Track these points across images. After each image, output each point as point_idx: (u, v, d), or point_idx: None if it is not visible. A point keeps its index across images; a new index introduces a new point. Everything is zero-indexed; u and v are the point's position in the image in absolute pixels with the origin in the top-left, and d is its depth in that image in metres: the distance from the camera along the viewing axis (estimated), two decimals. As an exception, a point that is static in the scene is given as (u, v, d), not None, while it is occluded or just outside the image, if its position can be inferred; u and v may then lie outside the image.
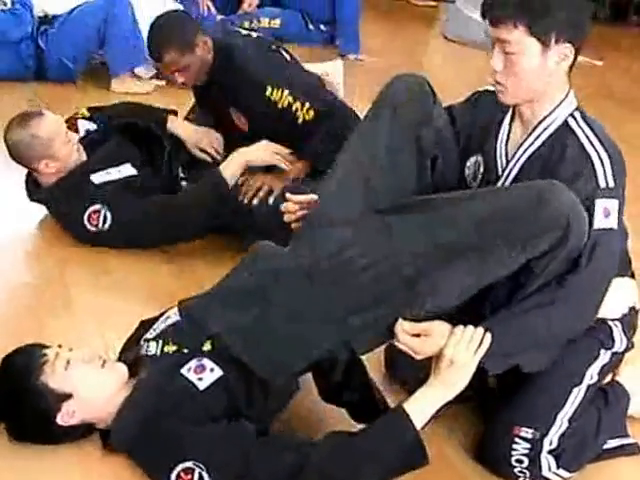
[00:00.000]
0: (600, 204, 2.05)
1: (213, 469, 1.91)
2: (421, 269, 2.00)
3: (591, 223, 2.02)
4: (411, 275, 2.00)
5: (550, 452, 2.14)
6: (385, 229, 2.08)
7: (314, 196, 2.26)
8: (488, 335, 2.00)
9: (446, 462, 2.05)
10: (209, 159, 3.28)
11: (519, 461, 2.13)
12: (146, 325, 2.24)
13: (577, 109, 2.16)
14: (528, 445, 2.12)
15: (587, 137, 2.11)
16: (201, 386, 2.00)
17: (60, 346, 2.10)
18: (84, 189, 3.02)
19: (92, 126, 3.28)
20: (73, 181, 3.04)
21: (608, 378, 2.35)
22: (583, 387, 2.19)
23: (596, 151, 2.08)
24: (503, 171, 2.20)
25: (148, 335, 2.17)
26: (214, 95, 3.32)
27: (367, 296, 2.02)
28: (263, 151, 3.13)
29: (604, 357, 2.24)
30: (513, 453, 2.13)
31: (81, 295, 2.82)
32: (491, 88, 2.22)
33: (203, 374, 2.02)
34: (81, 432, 2.09)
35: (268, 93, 3.16)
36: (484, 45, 6.49)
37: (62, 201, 3.05)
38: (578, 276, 2.02)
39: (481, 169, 2.26)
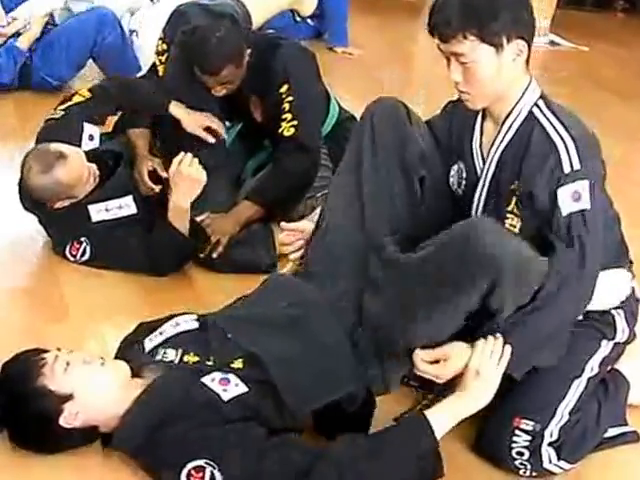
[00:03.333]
0: (567, 190, 2.04)
1: (225, 467, 1.90)
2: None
3: (561, 211, 2.03)
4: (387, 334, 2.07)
5: (551, 444, 2.13)
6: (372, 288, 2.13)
7: (307, 223, 2.33)
8: (507, 346, 2.02)
9: (445, 454, 2.02)
10: (211, 139, 3.19)
11: (520, 453, 2.13)
12: (146, 327, 2.22)
13: (541, 97, 2.15)
14: (528, 437, 2.11)
15: (551, 124, 2.10)
16: (225, 397, 1.99)
17: (59, 349, 2.09)
18: (78, 222, 2.98)
19: (95, 132, 3.17)
20: (71, 210, 2.99)
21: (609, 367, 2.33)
22: (584, 379, 2.19)
23: (560, 137, 2.07)
24: (482, 172, 2.21)
25: (155, 339, 2.16)
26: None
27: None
28: (193, 122, 3.13)
29: (605, 349, 2.23)
30: (513, 445, 2.12)
31: (76, 298, 2.81)
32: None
33: (228, 386, 2.01)
34: (84, 437, 2.06)
35: (282, 90, 3.10)
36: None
37: (54, 223, 3.02)
38: (566, 260, 2.02)
39: (464, 175, 2.26)
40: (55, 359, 2.03)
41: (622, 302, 2.26)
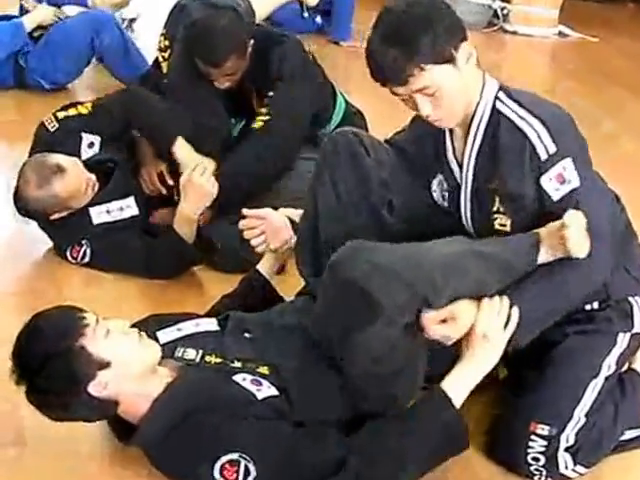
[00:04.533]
0: (550, 176, 2.02)
1: (259, 461, 1.88)
2: None
3: (552, 199, 2.02)
4: None
5: (567, 449, 2.10)
6: None
7: (269, 210, 2.40)
8: (515, 308, 2.00)
9: (458, 458, 2.00)
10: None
11: (535, 459, 2.09)
12: (155, 320, 2.20)
13: (500, 88, 2.11)
14: (545, 442, 2.08)
15: (516, 113, 2.07)
16: (259, 396, 1.98)
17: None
18: (80, 225, 2.96)
19: (95, 139, 3.09)
20: (72, 214, 2.96)
21: (626, 366, 2.29)
22: (600, 379, 2.15)
23: (528, 124, 2.04)
24: (461, 179, 2.18)
25: (171, 334, 2.12)
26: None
27: None
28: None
29: (622, 343, 2.19)
30: (529, 451, 2.09)
31: (77, 300, 2.68)
32: None
33: (260, 387, 2.00)
34: (102, 411, 1.99)
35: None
36: (476, 26, 6.48)
37: (54, 228, 2.98)
38: None
39: (445, 186, 2.24)
40: (97, 322, 1.95)
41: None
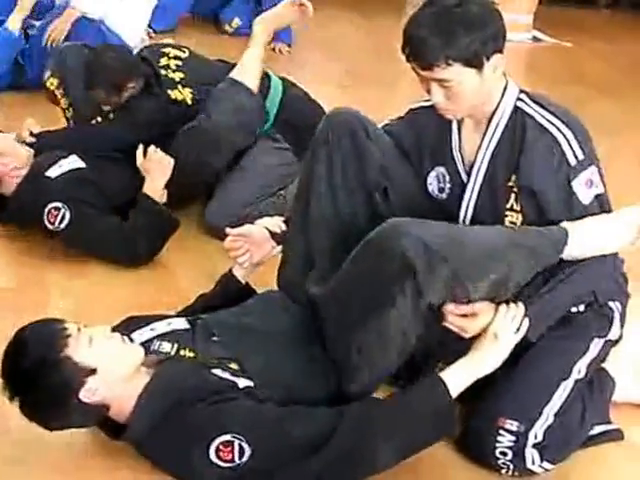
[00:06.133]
0: (579, 181, 2.10)
1: (252, 439, 1.91)
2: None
3: (580, 201, 2.10)
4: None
5: (534, 446, 2.12)
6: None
7: (252, 227, 2.46)
8: (526, 319, 2.07)
9: (427, 451, 2.03)
10: None
11: (503, 453, 2.11)
12: (134, 321, 2.22)
13: (521, 91, 2.18)
14: (513, 438, 2.10)
15: (541, 115, 2.13)
16: (240, 385, 2.03)
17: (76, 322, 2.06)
18: (42, 186, 3.04)
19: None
20: (31, 182, 3.06)
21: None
22: (571, 381, 2.18)
23: (557, 128, 2.11)
24: (469, 177, 2.22)
25: (145, 334, 2.15)
26: None
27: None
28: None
29: (594, 349, 2.22)
30: (497, 445, 2.11)
31: (62, 298, 2.81)
32: (425, 103, 2.28)
33: (238, 379, 2.04)
34: (95, 416, 2.02)
35: None
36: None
37: (25, 204, 3.04)
38: None
39: (447, 179, 2.27)
40: (79, 331, 1.99)
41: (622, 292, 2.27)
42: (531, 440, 2.11)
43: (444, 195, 2.28)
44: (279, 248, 2.46)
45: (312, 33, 5.90)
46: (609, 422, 2.33)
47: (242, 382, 2.04)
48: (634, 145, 4.50)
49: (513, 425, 2.10)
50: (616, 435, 2.32)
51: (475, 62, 2.03)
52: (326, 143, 2.25)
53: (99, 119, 3.39)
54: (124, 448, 2.06)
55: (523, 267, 2.05)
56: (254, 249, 2.47)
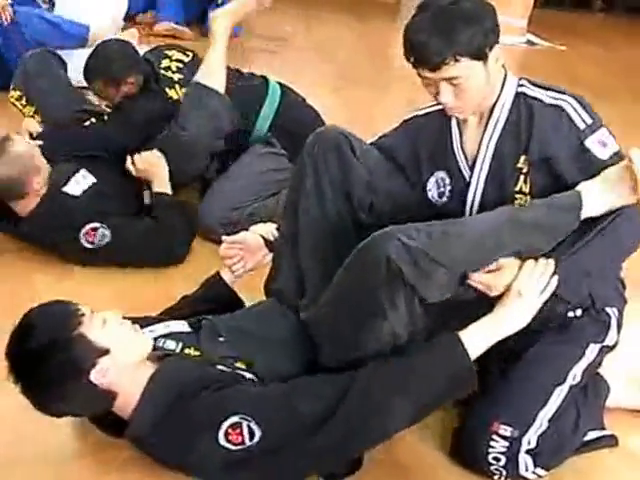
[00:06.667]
0: (593, 140, 2.13)
1: (261, 420, 1.89)
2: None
3: (598, 157, 2.11)
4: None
5: (528, 452, 2.10)
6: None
7: (247, 234, 2.47)
8: (555, 277, 2.03)
9: (418, 457, 2.01)
10: None
11: (496, 459, 2.10)
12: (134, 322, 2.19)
13: (521, 78, 2.22)
14: (506, 443, 2.09)
15: (546, 95, 2.17)
16: (247, 376, 2.04)
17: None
18: (69, 206, 3.01)
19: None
20: (53, 201, 3.01)
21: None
22: (565, 387, 2.16)
23: (563, 100, 2.15)
24: (472, 172, 2.23)
25: (146, 334, 2.12)
26: None
27: None
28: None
29: (590, 355, 2.21)
30: (490, 450, 2.10)
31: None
32: (419, 112, 2.32)
33: (244, 373, 2.05)
34: (100, 402, 1.98)
35: None
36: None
37: (54, 226, 2.97)
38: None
39: (447, 181, 2.28)
40: (92, 312, 1.98)
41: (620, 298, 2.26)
42: (525, 446, 2.10)
43: (444, 199, 2.29)
44: (271, 256, 2.45)
45: (306, 36, 5.91)
46: (603, 428, 2.31)
47: (248, 375, 2.05)
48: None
49: (507, 430, 2.09)
50: (610, 441, 2.31)
51: (480, 54, 2.06)
52: (312, 157, 2.26)
53: (89, 121, 3.39)
54: (113, 454, 2.06)
55: (535, 241, 2.04)
56: (248, 256, 2.48)
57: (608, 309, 2.24)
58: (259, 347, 2.15)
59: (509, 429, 2.09)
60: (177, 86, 3.38)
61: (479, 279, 2.02)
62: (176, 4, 5.89)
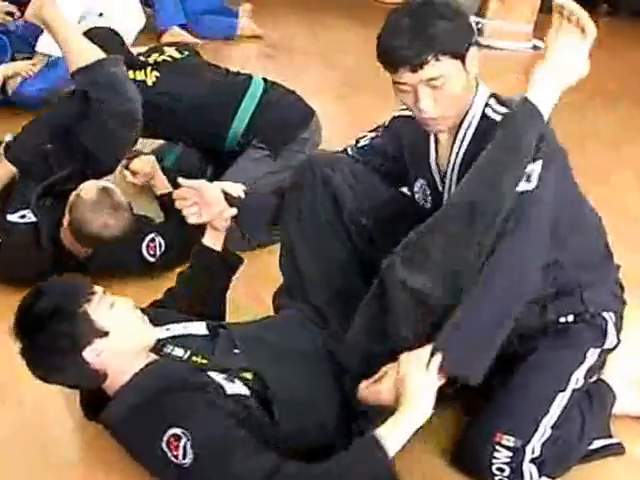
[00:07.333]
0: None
1: (199, 445, 1.89)
2: None
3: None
4: None
5: (532, 460, 2.09)
6: None
7: (203, 182, 2.38)
8: (438, 355, 1.94)
9: (421, 468, 1.99)
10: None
11: (500, 469, 2.08)
12: (152, 315, 2.20)
13: (491, 95, 2.16)
14: (509, 453, 2.07)
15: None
16: (228, 391, 2.01)
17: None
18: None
19: None
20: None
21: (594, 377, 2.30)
22: (568, 392, 2.14)
23: None
24: (444, 183, 2.21)
25: (159, 332, 2.14)
26: None
27: None
28: None
29: (591, 359, 2.19)
30: (494, 461, 2.08)
31: None
32: (404, 113, 2.28)
33: (232, 385, 2.03)
34: (89, 380, 2.03)
35: None
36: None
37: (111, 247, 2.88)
38: (502, 244, 1.95)
39: (427, 190, 2.27)
40: (104, 293, 2.04)
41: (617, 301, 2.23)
42: (528, 455, 2.08)
43: (428, 204, 2.29)
44: (233, 211, 2.36)
45: (310, 41, 5.89)
46: (610, 436, 2.30)
47: (234, 389, 2.02)
48: (634, 154, 4.47)
49: (510, 441, 2.07)
50: (617, 449, 2.29)
51: (459, 53, 2.02)
52: (301, 189, 2.28)
53: None
54: (99, 457, 2.10)
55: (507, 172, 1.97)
56: (203, 206, 2.36)
57: (604, 313, 2.21)
58: (274, 357, 2.14)
59: (512, 439, 2.07)
60: (149, 68, 3.35)
61: (365, 394, 2.00)
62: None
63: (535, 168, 1.98)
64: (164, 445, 1.90)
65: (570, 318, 2.19)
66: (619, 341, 2.26)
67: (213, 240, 2.42)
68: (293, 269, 2.34)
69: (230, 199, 2.37)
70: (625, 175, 4.14)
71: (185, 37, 5.65)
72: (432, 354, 1.93)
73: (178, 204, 2.38)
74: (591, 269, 2.22)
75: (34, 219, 2.88)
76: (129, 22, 4.86)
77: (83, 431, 2.23)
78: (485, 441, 2.09)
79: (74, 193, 2.81)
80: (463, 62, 2.04)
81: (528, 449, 2.07)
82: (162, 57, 3.47)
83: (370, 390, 2.00)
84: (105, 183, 2.84)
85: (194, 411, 1.93)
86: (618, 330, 2.24)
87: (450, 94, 2.05)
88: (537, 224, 1.99)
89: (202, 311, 2.34)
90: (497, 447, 2.07)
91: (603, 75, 5.84)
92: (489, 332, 1.97)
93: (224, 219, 2.37)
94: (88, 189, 2.79)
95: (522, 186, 1.97)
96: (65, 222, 2.82)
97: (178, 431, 1.89)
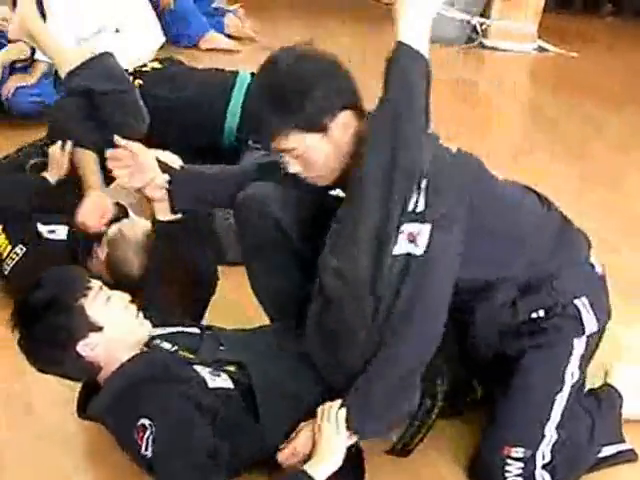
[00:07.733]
0: (404, 228, 1.90)
1: (159, 441, 1.91)
2: None
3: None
4: None
5: (544, 467, 2.08)
6: None
7: (140, 146, 2.32)
8: (342, 409, 1.97)
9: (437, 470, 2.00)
10: None
11: None
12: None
13: None
14: (521, 464, 2.06)
15: None
16: (211, 384, 2.03)
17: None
18: None
19: None
20: None
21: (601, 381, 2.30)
22: (566, 390, 2.12)
23: None
24: None
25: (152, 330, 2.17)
26: None
27: None
28: None
29: (579, 348, 2.13)
30: (507, 475, 2.08)
31: None
32: None
33: (217, 378, 2.05)
34: (83, 372, 2.08)
35: None
36: (456, 41, 6.49)
37: None
38: (395, 310, 1.92)
39: None
40: (100, 288, 2.07)
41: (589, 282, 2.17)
42: (539, 461, 2.07)
43: None
44: (164, 177, 2.31)
45: (316, 46, 5.86)
46: (622, 441, 2.27)
47: (217, 383, 2.03)
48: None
49: (519, 452, 2.07)
50: (629, 455, 2.27)
51: (316, 126, 1.93)
52: (245, 233, 2.28)
53: None
54: (107, 461, 2.13)
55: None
56: (135, 171, 2.31)
57: (575, 301, 2.12)
58: (258, 354, 2.16)
59: (521, 450, 2.06)
60: (130, 77, 3.27)
61: (285, 457, 2.01)
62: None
63: (422, 232, 1.90)
64: (135, 434, 1.94)
65: (541, 313, 2.11)
66: (608, 317, 2.19)
67: (163, 213, 2.36)
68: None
69: (164, 167, 2.33)
70: (635, 180, 4.08)
71: (221, 41, 5.55)
72: (341, 407, 1.97)
73: (110, 164, 2.33)
74: (550, 256, 2.12)
75: (63, 237, 2.85)
76: (146, 39, 4.80)
77: (89, 435, 2.24)
78: (495, 456, 2.08)
79: (116, 228, 2.79)
80: (325, 133, 1.94)
81: (538, 456, 2.07)
82: (144, 68, 3.50)
83: (286, 448, 2.02)
84: (145, 223, 2.74)
85: (165, 406, 1.95)
86: (598, 310, 2.15)
87: (316, 162, 1.98)
88: (435, 285, 1.94)
89: (183, 290, 2.35)
90: (508, 460, 2.06)
91: (607, 75, 5.85)
92: (391, 396, 1.98)
93: (157, 187, 2.32)
94: (131, 228, 2.78)
95: (403, 247, 1.90)
96: (101, 255, 2.79)
97: (146, 422, 1.92)
